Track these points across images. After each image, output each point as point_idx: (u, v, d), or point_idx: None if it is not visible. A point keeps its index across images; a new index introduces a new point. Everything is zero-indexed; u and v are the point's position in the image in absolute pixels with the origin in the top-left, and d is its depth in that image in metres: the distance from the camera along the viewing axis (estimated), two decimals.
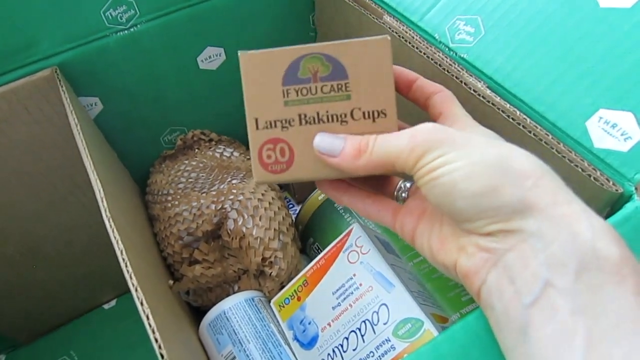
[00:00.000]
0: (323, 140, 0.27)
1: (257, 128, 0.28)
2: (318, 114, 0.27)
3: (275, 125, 0.28)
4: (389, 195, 0.31)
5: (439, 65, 0.38)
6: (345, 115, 0.27)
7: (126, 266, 0.28)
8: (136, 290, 0.27)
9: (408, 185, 0.31)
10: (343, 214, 0.49)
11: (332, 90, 0.27)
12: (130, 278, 0.28)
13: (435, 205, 0.24)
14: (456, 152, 0.23)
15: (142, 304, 0.27)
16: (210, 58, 0.52)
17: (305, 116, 0.27)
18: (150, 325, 0.26)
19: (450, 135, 0.24)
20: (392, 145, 0.25)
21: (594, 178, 0.29)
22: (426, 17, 0.40)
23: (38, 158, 0.46)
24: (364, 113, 0.27)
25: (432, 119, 0.29)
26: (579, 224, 0.21)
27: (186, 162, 0.52)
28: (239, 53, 0.28)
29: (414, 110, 0.31)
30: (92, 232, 0.55)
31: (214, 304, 0.44)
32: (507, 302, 0.22)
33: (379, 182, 0.32)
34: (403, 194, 0.31)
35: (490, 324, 0.23)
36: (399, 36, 0.41)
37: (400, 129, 0.27)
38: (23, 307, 0.58)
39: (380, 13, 0.43)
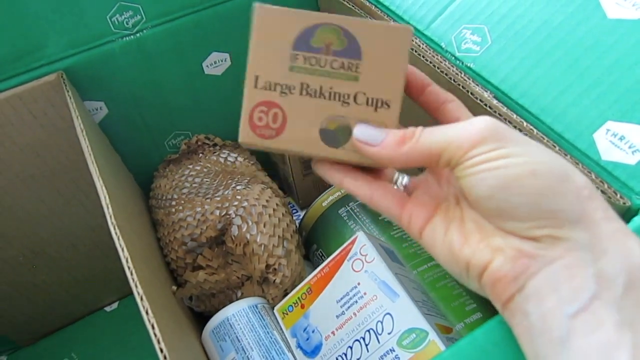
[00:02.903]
0: (365, 129, 0.26)
1: (255, 86, 0.26)
2: (321, 87, 0.26)
3: (275, 88, 0.26)
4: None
5: (445, 74, 0.38)
6: (348, 97, 0.26)
7: (131, 274, 0.28)
8: (142, 299, 0.27)
9: (406, 179, 0.29)
10: (347, 220, 0.49)
11: (341, 67, 0.26)
12: (136, 287, 0.28)
13: (478, 198, 0.23)
14: (520, 147, 0.22)
15: (147, 312, 0.27)
16: (216, 63, 0.51)
17: (308, 87, 0.26)
18: (155, 335, 0.26)
19: (510, 130, 0.23)
20: (444, 132, 0.24)
21: (602, 191, 0.29)
22: (432, 25, 0.40)
23: (42, 162, 0.46)
24: (367, 99, 0.26)
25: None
26: (630, 241, 0.21)
27: (190, 166, 0.52)
28: (255, 4, 0.26)
29: (412, 113, 0.30)
30: (95, 235, 0.55)
31: (217, 310, 0.44)
32: (546, 309, 0.21)
33: (372, 171, 0.29)
34: (400, 189, 0.29)
35: (517, 332, 0.23)
36: None
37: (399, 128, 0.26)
38: (25, 309, 0.58)
39: (386, 21, 0.43)
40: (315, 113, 0.26)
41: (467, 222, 0.25)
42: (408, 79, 0.28)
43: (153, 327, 0.26)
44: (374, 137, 0.25)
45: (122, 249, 0.29)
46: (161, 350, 0.25)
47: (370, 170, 0.29)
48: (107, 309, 0.64)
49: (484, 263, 0.23)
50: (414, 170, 0.29)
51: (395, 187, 0.29)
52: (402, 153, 0.25)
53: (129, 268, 0.28)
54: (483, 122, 0.23)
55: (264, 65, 0.26)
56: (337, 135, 0.26)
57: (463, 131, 0.23)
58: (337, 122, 0.26)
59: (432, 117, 0.29)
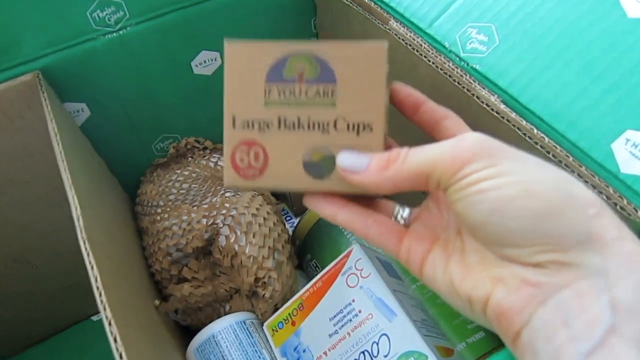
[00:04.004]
0: (347, 159, 0.24)
1: (233, 126, 0.26)
2: (299, 119, 0.25)
3: (253, 126, 0.25)
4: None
5: (449, 76, 0.35)
6: (328, 124, 0.25)
7: (100, 296, 0.26)
8: (110, 324, 0.25)
9: (407, 211, 0.27)
10: (343, 230, 0.46)
11: (317, 94, 0.25)
12: (104, 309, 0.25)
13: (473, 224, 0.21)
14: (512, 164, 0.20)
15: (115, 340, 0.24)
16: (205, 63, 0.49)
17: (285, 120, 0.25)
18: None
19: (501, 146, 0.21)
20: (430, 152, 0.22)
21: (621, 207, 0.26)
22: (435, 23, 0.37)
23: (21, 166, 0.44)
24: (348, 124, 0.25)
25: None
26: None
27: (178, 171, 0.49)
28: (225, 41, 0.25)
29: (406, 127, 0.28)
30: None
31: (204, 324, 0.41)
32: (557, 348, 0.19)
33: (370, 206, 0.28)
34: (401, 222, 0.27)
35: None
36: (406, 44, 0.38)
37: (389, 147, 0.24)
38: (8, 319, 0.56)
39: (386, 18, 0.40)
40: (297, 146, 0.25)
41: (468, 253, 0.23)
42: (400, 97, 0.26)
43: (121, 357, 0.23)
44: (358, 164, 0.24)
45: (92, 267, 0.27)
46: None
47: (367, 199, 0.27)
48: (94, 318, 0.62)
49: (485, 295, 0.21)
50: (419, 195, 0.27)
51: (395, 220, 0.27)
52: (387, 177, 0.23)
53: (97, 288, 0.26)
54: (471, 139, 0.21)
55: (240, 103, 0.25)
56: (321, 166, 0.25)
57: (450, 149, 0.21)
58: (320, 153, 0.25)
59: (429, 136, 0.27)
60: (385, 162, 0.23)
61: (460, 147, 0.21)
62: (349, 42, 0.24)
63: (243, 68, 0.25)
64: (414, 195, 0.26)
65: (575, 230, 0.19)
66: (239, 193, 0.44)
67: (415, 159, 0.22)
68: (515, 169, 0.20)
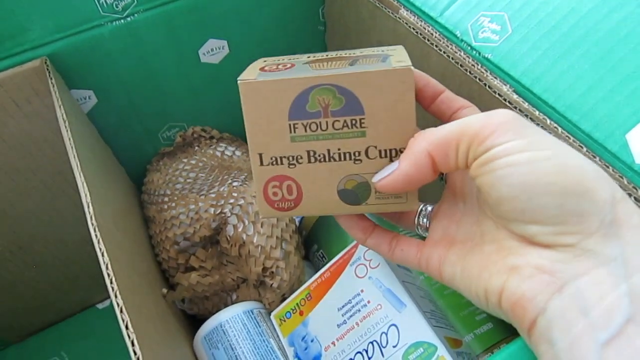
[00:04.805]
0: (380, 175, 0.24)
1: (261, 164, 0.25)
2: (329, 151, 0.24)
3: (282, 162, 0.25)
4: (409, 224, 0.28)
5: (460, 65, 0.35)
6: (359, 154, 0.24)
7: (111, 283, 0.26)
8: (121, 311, 0.24)
9: (429, 208, 0.28)
10: None
11: (345, 126, 0.24)
12: (115, 297, 0.25)
13: (498, 198, 0.21)
14: (542, 138, 0.20)
15: (127, 327, 0.24)
16: (213, 51, 0.48)
17: (315, 153, 0.25)
18: (135, 353, 0.23)
19: (531, 124, 0.21)
20: (460, 121, 0.22)
21: (635, 198, 0.26)
22: (447, 12, 0.37)
23: (27, 153, 0.44)
24: (380, 152, 0.24)
25: None
26: None
27: (185, 160, 0.49)
28: (239, 81, 0.24)
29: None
30: (84, 230, 0.52)
31: (210, 313, 0.41)
32: (575, 337, 0.19)
33: (396, 214, 0.29)
34: (424, 219, 0.28)
35: None
36: (417, 33, 0.37)
37: None
38: (13, 306, 0.56)
39: (396, 7, 0.40)
40: (330, 177, 0.25)
41: (485, 244, 0.22)
42: (419, 86, 0.25)
43: (133, 344, 0.23)
44: (390, 168, 0.24)
45: (102, 254, 0.27)
46: None
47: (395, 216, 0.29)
48: (99, 305, 0.62)
49: (500, 286, 0.21)
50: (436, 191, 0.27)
51: (421, 216, 0.28)
52: (420, 150, 0.22)
53: (108, 275, 0.26)
54: (502, 112, 0.21)
55: (265, 141, 0.25)
56: (356, 193, 0.25)
57: (480, 120, 0.21)
58: (354, 181, 0.25)
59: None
60: (415, 135, 0.23)
61: (490, 117, 0.21)
62: (371, 68, 0.23)
63: (263, 106, 0.24)
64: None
65: (601, 211, 0.19)
66: (247, 182, 0.44)
67: (445, 128, 0.22)
68: (547, 143, 0.20)
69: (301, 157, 0.25)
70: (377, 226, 0.28)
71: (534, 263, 0.20)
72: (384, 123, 0.24)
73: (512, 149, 0.20)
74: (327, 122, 0.24)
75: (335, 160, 0.25)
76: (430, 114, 0.26)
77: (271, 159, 0.25)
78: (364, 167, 0.25)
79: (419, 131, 0.23)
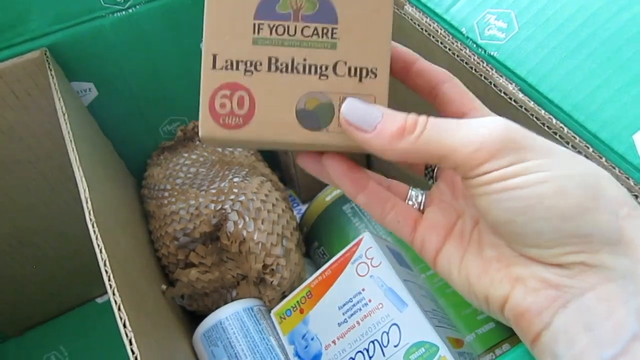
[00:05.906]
0: (355, 107, 0.21)
1: (213, 67, 0.22)
2: (293, 60, 0.22)
3: (238, 67, 0.22)
4: (419, 168, 0.26)
5: (466, 63, 0.34)
6: (327, 68, 0.22)
7: (109, 280, 0.25)
8: (119, 309, 0.24)
9: (421, 196, 0.26)
10: (351, 218, 0.46)
11: (315, 34, 0.22)
12: (113, 294, 0.25)
13: (495, 221, 0.20)
14: (541, 161, 0.19)
15: (124, 325, 0.24)
16: None
17: (277, 61, 0.22)
18: (133, 352, 0.23)
19: (530, 137, 0.20)
20: (450, 134, 0.20)
21: None
22: (453, 9, 0.36)
23: (26, 146, 0.43)
24: (349, 69, 0.22)
25: (445, 116, 0.23)
26: None
27: (186, 155, 0.49)
28: None
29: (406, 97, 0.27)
30: (85, 224, 0.52)
31: (210, 310, 0.41)
32: (579, 353, 0.18)
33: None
34: (415, 207, 0.25)
35: None
36: (422, 29, 0.37)
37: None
38: (12, 299, 0.56)
39: (401, 2, 0.39)
40: (289, 91, 0.22)
41: (485, 247, 0.22)
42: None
43: (131, 343, 0.23)
44: (367, 120, 0.21)
45: (101, 250, 0.26)
46: None
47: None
48: (99, 300, 0.62)
49: (503, 296, 0.20)
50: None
51: (410, 202, 0.25)
52: (398, 149, 0.20)
53: (106, 272, 0.25)
54: (498, 129, 0.19)
55: (223, 40, 0.22)
56: (317, 116, 0.22)
57: (475, 137, 0.19)
58: (317, 100, 0.22)
59: (426, 100, 0.25)
60: (399, 130, 0.20)
61: (485, 137, 0.19)
62: None
63: (228, 0, 0.22)
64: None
65: (605, 231, 0.19)
66: (248, 178, 0.44)
67: (435, 138, 0.20)
68: (547, 164, 0.19)
69: (260, 64, 0.22)
70: (373, 182, 0.24)
71: (540, 275, 0.20)
72: (357, 36, 0.22)
73: (509, 174, 0.19)
74: (295, 27, 0.22)
75: (298, 72, 0.22)
76: (409, 88, 0.25)
77: (226, 62, 0.22)
78: (329, 84, 0.22)
79: (421, 118, 0.21)
